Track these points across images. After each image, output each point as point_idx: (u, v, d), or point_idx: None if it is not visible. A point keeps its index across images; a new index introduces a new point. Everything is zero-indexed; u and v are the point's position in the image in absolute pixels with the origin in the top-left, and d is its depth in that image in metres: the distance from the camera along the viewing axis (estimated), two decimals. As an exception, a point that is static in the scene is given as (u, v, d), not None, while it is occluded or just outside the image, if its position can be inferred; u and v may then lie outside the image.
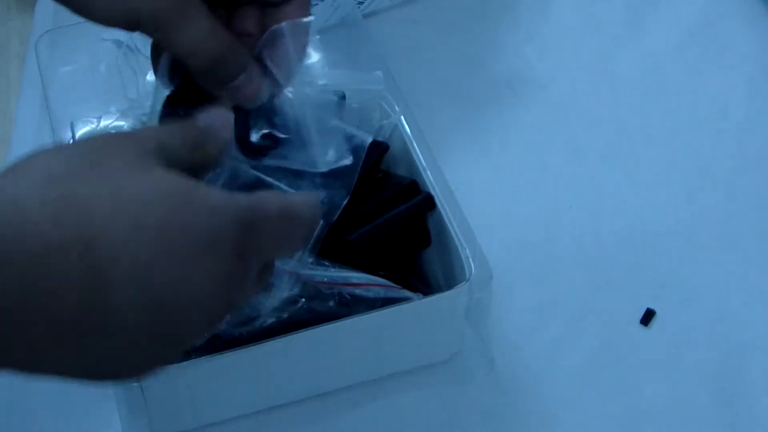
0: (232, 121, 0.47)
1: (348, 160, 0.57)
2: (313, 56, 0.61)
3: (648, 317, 0.68)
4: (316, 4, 0.79)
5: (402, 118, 0.68)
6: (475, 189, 0.73)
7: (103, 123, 0.67)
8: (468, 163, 0.76)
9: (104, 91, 0.76)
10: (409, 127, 0.67)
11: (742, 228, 0.73)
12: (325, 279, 0.59)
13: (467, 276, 0.60)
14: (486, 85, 0.82)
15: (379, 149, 0.67)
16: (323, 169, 0.55)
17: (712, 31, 0.84)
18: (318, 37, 0.62)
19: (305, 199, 0.46)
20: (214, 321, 0.43)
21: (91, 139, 0.42)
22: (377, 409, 0.64)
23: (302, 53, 0.55)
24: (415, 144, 0.66)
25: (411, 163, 0.66)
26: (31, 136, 0.79)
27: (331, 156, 0.58)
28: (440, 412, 0.64)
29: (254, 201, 0.43)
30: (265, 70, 0.54)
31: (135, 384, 0.56)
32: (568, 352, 0.67)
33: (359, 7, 0.83)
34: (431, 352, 0.65)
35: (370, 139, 0.61)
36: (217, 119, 0.46)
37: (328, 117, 0.58)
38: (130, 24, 0.49)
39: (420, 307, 0.61)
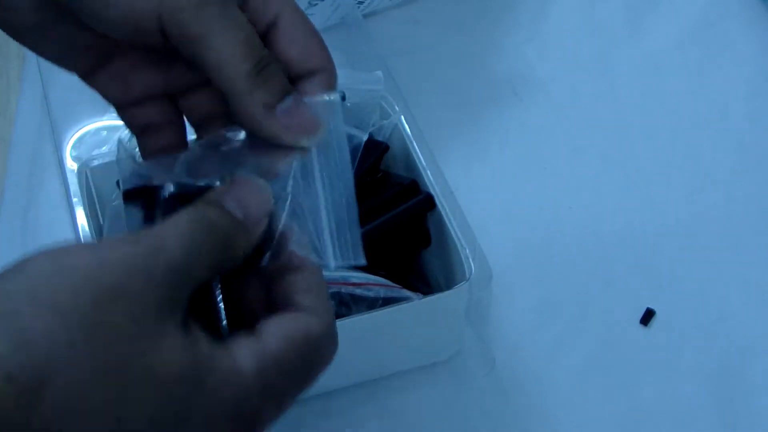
0: (271, 198, 0.39)
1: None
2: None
3: (648, 317, 0.68)
4: (316, 4, 0.79)
5: (402, 118, 0.68)
6: (475, 189, 0.73)
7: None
8: (468, 163, 0.76)
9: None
10: (409, 127, 0.67)
11: (742, 228, 0.72)
12: (325, 278, 0.59)
13: (467, 276, 0.60)
14: (486, 85, 0.82)
15: (379, 149, 0.67)
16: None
17: (712, 31, 0.84)
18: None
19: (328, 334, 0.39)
20: None
21: (94, 275, 0.33)
22: (377, 409, 0.64)
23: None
24: (415, 144, 0.66)
25: (411, 163, 0.66)
26: (31, 136, 0.79)
27: None
28: (440, 412, 0.64)
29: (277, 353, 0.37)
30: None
31: None
32: (568, 352, 0.67)
33: (359, 7, 0.83)
34: (431, 352, 0.65)
35: (365, 138, 0.60)
36: (254, 196, 0.39)
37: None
38: (157, 29, 0.39)
39: (420, 307, 0.61)
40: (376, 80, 0.69)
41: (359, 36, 0.79)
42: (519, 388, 0.65)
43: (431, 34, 0.86)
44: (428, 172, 0.65)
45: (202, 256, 0.36)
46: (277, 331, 0.37)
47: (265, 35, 0.42)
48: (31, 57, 0.79)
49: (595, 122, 0.79)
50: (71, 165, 0.68)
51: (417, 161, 0.65)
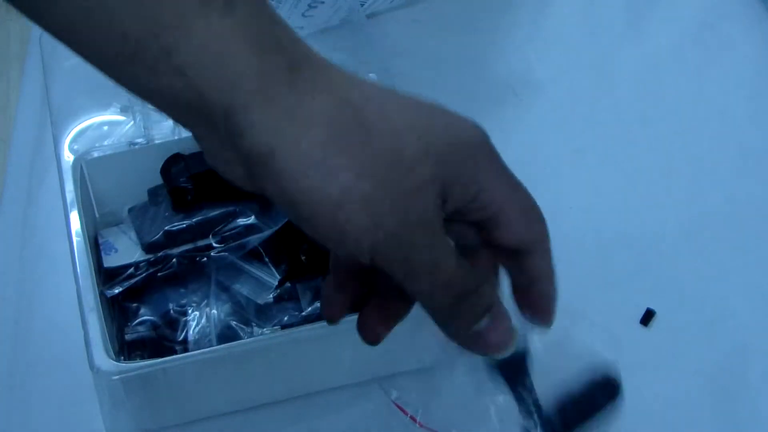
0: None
1: None
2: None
3: (648, 317, 0.68)
4: (316, 6, 0.79)
5: (402, 117, 0.68)
6: (475, 189, 0.73)
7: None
8: (468, 163, 0.76)
9: (105, 88, 0.76)
10: (409, 127, 0.67)
11: (742, 228, 0.72)
12: None
13: (467, 275, 0.60)
14: (486, 85, 0.82)
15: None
16: None
17: (712, 31, 0.84)
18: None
19: None
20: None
21: None
22: (376, 409, 0.64)
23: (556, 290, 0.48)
24: (415, 144, 0.66)
25: (411, 163, 0.66)
26: (31, 136, 0.79)
27: None
28: (441, 412, 0.64)
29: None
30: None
31: (116, 378, 0.55)
32: (568, 353, 0.67)
33: (361, 8, 0.83)
34: (431, 352, 0.65)
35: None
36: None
37: None
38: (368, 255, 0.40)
39: (419, 307, 0.61)
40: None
41: (361, 37, 0.79)
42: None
43: (432, 34, 0.86)
44: (428, 171, 0.64)
45: None
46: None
47: (488, 222, 0.45)
48: (32, 56, 0.79)
49: (595, 122, 0.79)
50: (68, 157, 0.67)
51: (417, 161, 0.65)
